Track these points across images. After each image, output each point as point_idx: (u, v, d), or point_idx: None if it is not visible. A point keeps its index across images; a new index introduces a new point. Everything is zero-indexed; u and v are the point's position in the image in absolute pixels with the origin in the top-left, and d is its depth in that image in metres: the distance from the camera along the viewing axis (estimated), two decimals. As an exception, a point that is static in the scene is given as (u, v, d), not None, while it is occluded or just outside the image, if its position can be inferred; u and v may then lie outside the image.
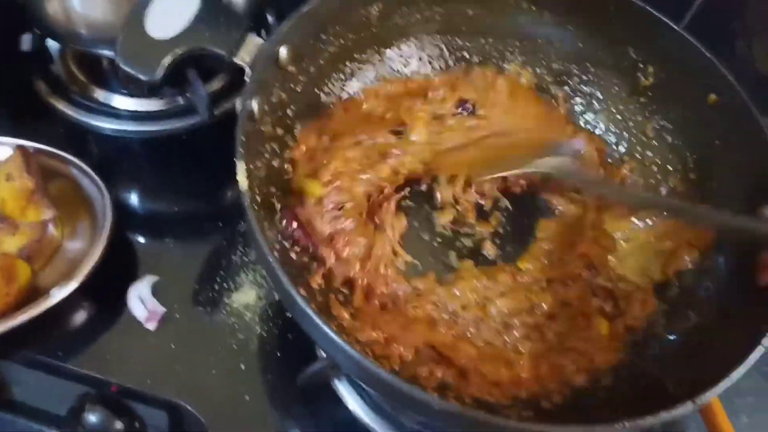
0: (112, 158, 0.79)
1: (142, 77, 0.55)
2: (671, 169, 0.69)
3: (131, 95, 0.79)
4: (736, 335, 0.53)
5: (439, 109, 0.70)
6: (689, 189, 0.67)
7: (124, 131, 0.78)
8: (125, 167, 0.80)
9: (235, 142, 0.53)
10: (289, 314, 0.69)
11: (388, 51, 0.72)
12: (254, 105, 0.56)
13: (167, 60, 0.56)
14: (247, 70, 0.57)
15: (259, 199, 0.56)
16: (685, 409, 0.45)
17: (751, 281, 0.56)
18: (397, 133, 0.68)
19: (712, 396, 0.46)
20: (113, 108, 0.79)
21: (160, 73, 0.56)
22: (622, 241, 0.66)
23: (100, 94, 0.79)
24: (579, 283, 0.65)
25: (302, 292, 0.48)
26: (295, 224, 0.60)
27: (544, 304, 0.63)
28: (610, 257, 0.65)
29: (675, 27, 0.65)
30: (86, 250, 0.67)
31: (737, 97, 0.62)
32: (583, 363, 0.59)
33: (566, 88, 0.74)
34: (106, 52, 0.72)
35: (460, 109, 0.71)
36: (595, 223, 0.67)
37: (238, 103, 0.55)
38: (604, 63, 0.72)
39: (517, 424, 0.46)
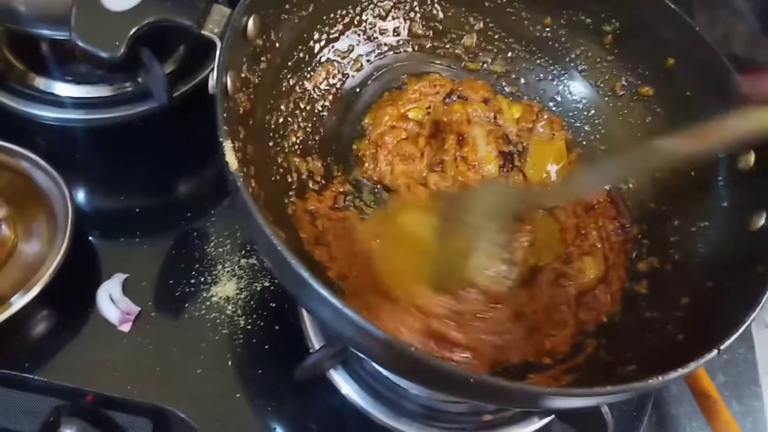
0: (63, 150, 0.73)
1: (103, 54, 0.50)
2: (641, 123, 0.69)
3: (75, 82, 0.72)
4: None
5: None
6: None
7: (70, 120, 0.71)
8: (79, 159, 0.74)
9: (216, 119, 0.48)
10: (273, 304, 0.66)
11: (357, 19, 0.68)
12: (228, 79, 0.52)
13: (130, 34, 0.51)
14: (217, 42, 0.53)
15: (253, 181, 0.52)
16: (710, 356, 0.45)
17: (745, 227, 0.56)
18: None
19: (732, 339, 0.46)
20: (56, 96, 0.72)
21: (123, 48, 0.50)
22: None
23: (40, 82, 0.72)
24: None
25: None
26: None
27: None
28: None
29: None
30: (45, 251, 0.61)
31: (703, 45, 0.62)
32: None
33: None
34: (48, 32, 0.66)
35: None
36: None
37: (211, 79, 0.51)
38: (571, 23, 0.71)
39: (546, 389, 0.45)
